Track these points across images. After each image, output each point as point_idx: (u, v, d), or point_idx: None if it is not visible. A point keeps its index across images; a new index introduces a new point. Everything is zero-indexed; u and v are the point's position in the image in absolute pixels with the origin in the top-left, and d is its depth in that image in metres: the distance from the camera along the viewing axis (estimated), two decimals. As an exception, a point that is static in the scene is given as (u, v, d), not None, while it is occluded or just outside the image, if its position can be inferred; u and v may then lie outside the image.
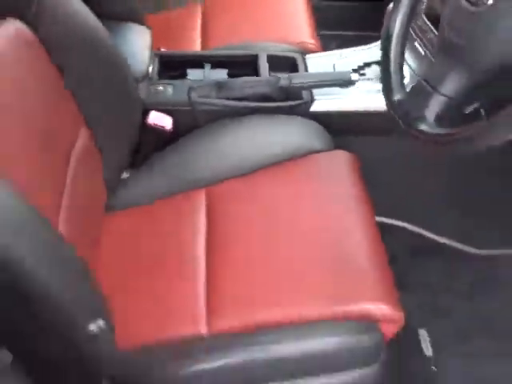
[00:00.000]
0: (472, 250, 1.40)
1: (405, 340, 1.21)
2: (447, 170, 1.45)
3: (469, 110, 0.82)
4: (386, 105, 0.93)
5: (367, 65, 1.35)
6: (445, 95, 0.84)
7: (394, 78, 0.93)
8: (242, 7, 1.68)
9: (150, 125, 1.25)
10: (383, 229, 1.13)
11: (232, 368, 0.92)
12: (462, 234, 1.42)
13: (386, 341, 0.98)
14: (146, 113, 1.28)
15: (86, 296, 0.78)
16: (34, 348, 0.75)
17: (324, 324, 0.94)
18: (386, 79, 0.94)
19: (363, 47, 1.41)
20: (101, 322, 0.79)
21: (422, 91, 0.87)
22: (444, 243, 1.41)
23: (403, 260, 1.36)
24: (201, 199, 1.20)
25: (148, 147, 1.32)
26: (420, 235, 1.42)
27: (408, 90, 0.92)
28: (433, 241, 1.42)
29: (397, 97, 0.92)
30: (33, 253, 0.69)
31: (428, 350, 1.22)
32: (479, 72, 0.81)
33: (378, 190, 1.19)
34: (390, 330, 0.97)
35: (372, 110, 1.30)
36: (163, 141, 1.31)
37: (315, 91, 1.30)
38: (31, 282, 0.69)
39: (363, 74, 1.32)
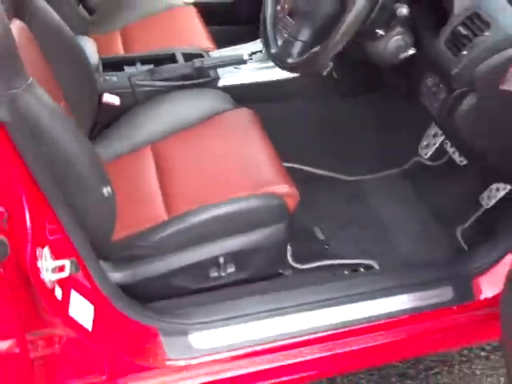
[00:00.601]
0: (344, 177, 1.95)
1: (305, 233, 1.74)
2: (323, 125, 2.01)
3: (314, 48, 1.37)
4: (268, 56, 1.47)
5: (254, 53, 1.91)
6: (301, 40, 1.39)
7: (271, 39, 1.48)
8: (152, 27, 2.21)
9: (105, 103, 1.71)
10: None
11: (186, 230, 1.38)
12: (337, 167, 1.97)
13: (290, 211, 1.48)
14: (99, 97, 1.75)
15: (97, 165, 1.22)
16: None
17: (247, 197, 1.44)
18: (266, 41, 1.49)
19: (250, 43, 1.98)
20: (109, 188, 1.23)
21: (288, 42, 1.42)
22: (324, 175, 1.95)
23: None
24: (148, 153, 1.66)
25: (102, 124, 1.77)
26: (306, 171, 1.95)
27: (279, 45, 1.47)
28: (316, 174, 1.95)
29: (273, 50, 1.47)
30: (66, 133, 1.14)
31: (321, 236, 1.73)
32: (318, 24, 1.37)
33: (273, 141, 1.71)
34: (291, 202, 1.48)
35: (260, 81, 1.87)
36: (113, 117, 1.77)
37: (220, 72, 1.83)
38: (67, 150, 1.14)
39: (251, 59, 1.88)
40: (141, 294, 1.39)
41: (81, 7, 2.34)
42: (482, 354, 1.78)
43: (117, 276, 1.37)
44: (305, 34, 1.39)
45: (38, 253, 1.03)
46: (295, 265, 1.61)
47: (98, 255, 1.34)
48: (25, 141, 1.01)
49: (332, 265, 1.65)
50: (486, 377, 1.72)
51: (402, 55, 1.42)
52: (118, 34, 2.24)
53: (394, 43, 1.42)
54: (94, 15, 2.42)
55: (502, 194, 1.71)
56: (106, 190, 1.22)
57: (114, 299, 1.22)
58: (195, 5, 2.41)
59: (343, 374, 1.69)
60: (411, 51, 1.41)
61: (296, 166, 1.95)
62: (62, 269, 1.05)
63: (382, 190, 1.96)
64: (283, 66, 1.42)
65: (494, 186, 1.73)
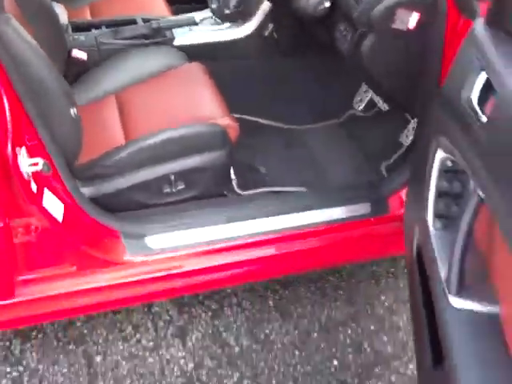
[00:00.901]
0: (285, 126, 2.23)
1: (249, 168, 2.01)
2: (267, 80, 2.29)
3: None
4: (211, 11, 1.76)
5: (205, 18, 2.19)
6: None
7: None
8: (117, 2, 2.47)
9: (73, 57, 1.98)
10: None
11: (141, 151, 1.64)
12: (280, 117, 2.24)
13: (231, 141, 1.75)
14: (69, 53, 2.01)
15: (65, 88, 1.48)
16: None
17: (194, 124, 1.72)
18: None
19: (201, 11, 2.25)
20: (75, 110, 1.49)
21: None
22: (267, 124, 2.22)
23: (240, 135, 2.09)
24: (112, 100, 1.92)
25: (71, 77, 2.03)
26: (251, 121, 2.21)
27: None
28: (260, 123, 2.22)
29: (214, 5, 1.76)
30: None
31: (263, 171, 2.01)
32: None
33: (221, 94, 1.98)
34: (232, 133, 1.76)
35: (211, 41, 2.14)
36: (81, 72, 2.03)
37: (175, 32, 2.11)
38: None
39: (202, 22, 2.16)
40: (104, 207, 1.65)
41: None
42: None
43: (83, 191, 1.62)
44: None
45: (17, 152, 1.29)
46: (239, 191, 1.89)
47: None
48: (8, 59, 1.26)
49: (271, 192, 1.94)
50: (408, 288, 2.02)
51: (321, 7, 1.72)
52: (87, 8, 2.51)
53: (314, -3, 1.72)
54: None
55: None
56: (73, 112, 1.48)
57: (80, 201, 1.49)
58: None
59: (285, 285, 1.98)
60: (327, 4, 1.70)
61: (242, 116, 2.22)
62: (36, 164, 1.32)
63: (320, 137, 2.25)
64: (221, 16, 1.71)
65: (411, 126, 2.03)
